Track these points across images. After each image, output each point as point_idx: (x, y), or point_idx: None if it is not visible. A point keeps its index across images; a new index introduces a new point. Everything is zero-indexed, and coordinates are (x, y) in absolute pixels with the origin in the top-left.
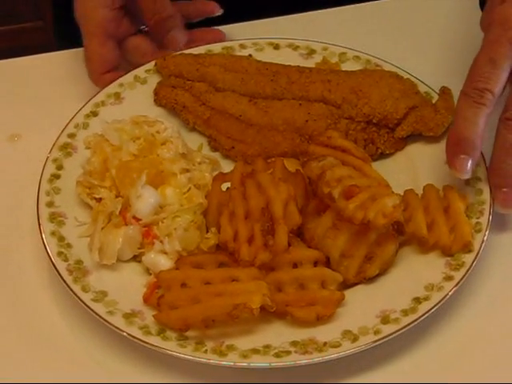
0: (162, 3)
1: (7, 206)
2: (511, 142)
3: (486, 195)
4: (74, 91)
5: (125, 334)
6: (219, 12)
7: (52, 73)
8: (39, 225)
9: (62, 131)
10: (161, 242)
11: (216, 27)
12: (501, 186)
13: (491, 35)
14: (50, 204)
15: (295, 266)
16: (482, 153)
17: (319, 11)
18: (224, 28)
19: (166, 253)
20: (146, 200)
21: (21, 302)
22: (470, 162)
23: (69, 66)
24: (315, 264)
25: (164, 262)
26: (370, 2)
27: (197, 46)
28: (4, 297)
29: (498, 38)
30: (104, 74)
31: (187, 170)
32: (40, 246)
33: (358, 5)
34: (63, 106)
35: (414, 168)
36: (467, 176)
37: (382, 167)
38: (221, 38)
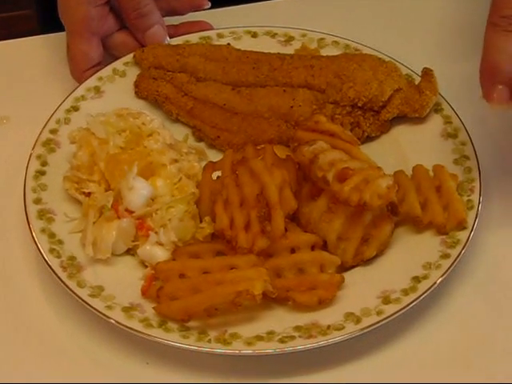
0: None
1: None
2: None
3: (475, 173)
4: (61, 73)
5: (125, 328)
6: (207, 5)
7: (39, 56)
8: (28, 223)
9: (44, 127)
10: (156, 233)
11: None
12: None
13: None
14: (37, 201)
15: (293, 251)
16: (468, 132)
17: None
18: (204, 14)
19: (161, 244)
20: (138, 192)
21: (10, 300)
22: (507, 91)
23: (55, 49)
24: (312, 248)
25: (160, 254)
26: None
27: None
28: None
29: None
30: (86, 71)
31: (176, 161)
32: (27, 240)
33: None
34: (51, 88)
35: (400, 149)
36: (505, 107)
37: (368, 150)
38: (208, 29)
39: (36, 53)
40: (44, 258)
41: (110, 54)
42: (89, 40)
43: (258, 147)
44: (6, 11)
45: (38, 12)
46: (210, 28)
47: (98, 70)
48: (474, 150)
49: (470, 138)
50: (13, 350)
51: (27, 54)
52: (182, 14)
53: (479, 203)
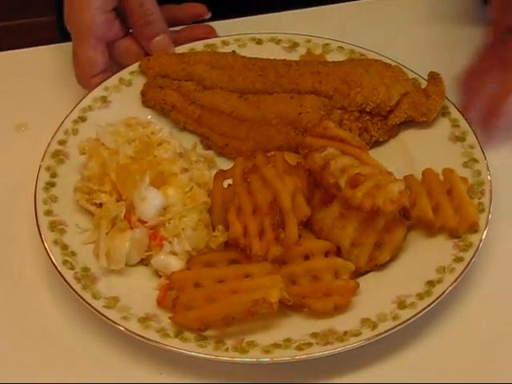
0: (149, 7)
1: (11, 195)
2: None
3: (485, 176)
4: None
5: (142, 338)
6: (208, 15)
7: (59, 63)
8: (40, 235)
9: (52, 138)
10: (170, 242)
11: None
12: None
13: None
14: (48, 213)
15: (307, 257)
16: (476, 135)
17: (304, 10)
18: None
19: (175, 254)
20: (150, 202)
21: (23, 313)
22: None
23: None
24: (326, 254)
25: (175, 263)
26: (348, 3)
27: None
28: (5, 304)
29: None
30: (93, 77)
31: (186, 170)
32: (38, 252)
33: (339, 4)
34: (70, 96)
35: (408, 154)
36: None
37: (377, 155)
38: (210, 33)
39: (56, 61)
40: (58, 269)
41: (115, 61)
42: (95, 46)
43: (268, 154)
44: (27, 18)
45: (58, 19)
46: (213, 31)
47: (104, 77)
48: (483, 152)
49: (478, 140)
50: (26, 362)
51: (47, 62)
52: (184, 24)
53: (490, 205)
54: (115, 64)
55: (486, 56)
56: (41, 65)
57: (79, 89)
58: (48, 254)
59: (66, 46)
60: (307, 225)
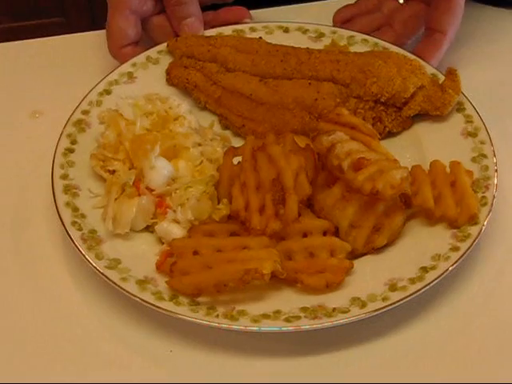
0: None
1: (26, 182)
2: None
3: (492, 171)
4: (93, 71)
5: (138, 299)
6: None
7: (73, 53)
8: (54, 196)
9: (76, 108)
10: (174, 211)
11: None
12: None
13: None
14: (64, 176)
15: (305, 235)
16: (488, 132)
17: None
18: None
19: (178, 222)
20: (159, 171)
21: (35, 272)
22: None
23: (89, 47)
24: (324, 234)
25: (177, 231)
26: None
27: (220, 27)
28: (19, 266)
29: None
30: (123, 47)
31: (199, 145)
32: (55, 218)
33: None
34: (84, 85)
35: (420, 146)
36: None
37: (389, 145)
38: (244, 15)
39: (70, 51)
40: (66, 229)
41: (148, 37)
42: (127, 18)
43: (280, 136)
44: (37, 18)
45: (67, 20)
46: (247, 14)
47: (134, 50)
48: (493, 148)
49: (489, 137)
50: (32, 316)
51: (61, 51)
52: (228, 1)
53: (493, 200)
54: (150, 41)
55: None
56: (54, 55)
57: (91, 78)
58: (59, 215)
59: (79, 37)
60: (309, 205)
